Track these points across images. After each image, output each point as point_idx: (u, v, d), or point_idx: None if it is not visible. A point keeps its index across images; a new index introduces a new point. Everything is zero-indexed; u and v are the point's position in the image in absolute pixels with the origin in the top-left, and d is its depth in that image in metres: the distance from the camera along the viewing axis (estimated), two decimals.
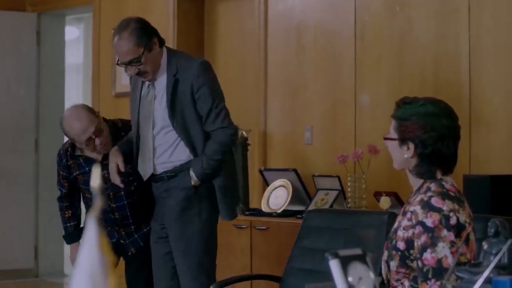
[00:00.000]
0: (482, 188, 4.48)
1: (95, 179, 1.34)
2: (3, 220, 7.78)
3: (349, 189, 5.42)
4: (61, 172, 4.42)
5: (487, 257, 2.13)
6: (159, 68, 4.17)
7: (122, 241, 4.42)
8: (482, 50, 5.10)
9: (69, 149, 4.38)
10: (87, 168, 4.34)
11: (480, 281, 2.02)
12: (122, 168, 4.19)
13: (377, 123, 5.48)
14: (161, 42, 4.22)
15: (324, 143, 5.87)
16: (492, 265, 2.05)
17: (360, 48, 5.68)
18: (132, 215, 4.38)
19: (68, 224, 4.50)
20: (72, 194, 4.48)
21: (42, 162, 7.94)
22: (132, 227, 4.40)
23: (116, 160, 4.21)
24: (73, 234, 4.50)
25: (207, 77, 4.19)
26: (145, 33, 4.11)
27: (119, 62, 4.15)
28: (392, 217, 3.88)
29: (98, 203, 1.32)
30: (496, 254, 2.11)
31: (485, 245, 2.17)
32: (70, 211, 4.48)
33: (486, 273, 2.03)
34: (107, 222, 4.36)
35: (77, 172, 4.37)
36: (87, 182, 4.33)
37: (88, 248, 1.31)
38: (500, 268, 2.08)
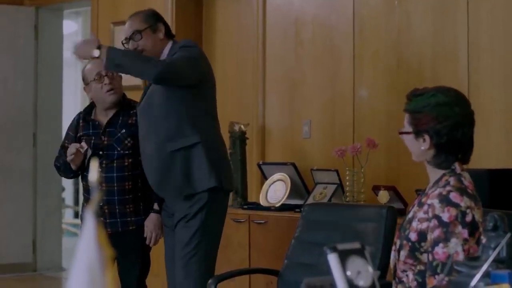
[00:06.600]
0: (480, 182, 4.46)
1: (93, 173, 1.34)
2: (1, 214, 7.78)
3: (347, 183, 5.41)
4: (69, 132, 4.59)
5: (485, 251, 2.13)
6: (159, 55, 4.24)
7: (101, 218, 4.41)
8: (480, 44, 5.09)
9: (87, 109, 4.56)
10: (90, 131, 4.48)
11: (478, 275, 2.02)
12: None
13: (376, 117, 5.47)
14: (169, 34, 4.32)
15: (322, 137, 5.86)
16: (490, 259, 2.05)
17: (358, 42, 5.68)
18: (118, 193, 4.38)
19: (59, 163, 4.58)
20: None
21: (40, 157, 7.94)
22: (117, 207, 4.39)
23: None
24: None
25: (187, 48, 4.21)
26: (153, 16, 4.29)
27: (123, 41, 4.29)
28: (391, 211, 3.88)
29: (96, 196, 1.32)
30: (494, 248, 2.10)
31: (483, 239, 2.17)
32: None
33: (484, 267, 2.03)
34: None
35: (82, 133, 4.50)
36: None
37: (86, 242, 1.30)
38: (498, 262, 2.08)
